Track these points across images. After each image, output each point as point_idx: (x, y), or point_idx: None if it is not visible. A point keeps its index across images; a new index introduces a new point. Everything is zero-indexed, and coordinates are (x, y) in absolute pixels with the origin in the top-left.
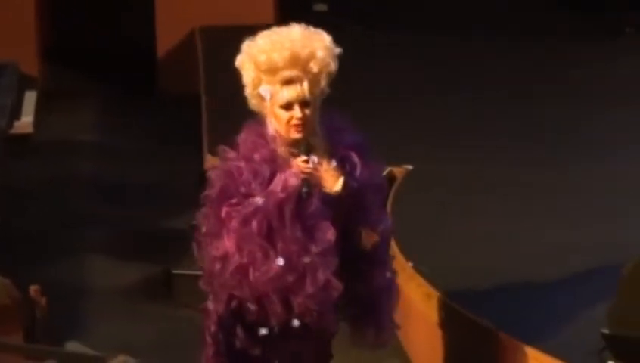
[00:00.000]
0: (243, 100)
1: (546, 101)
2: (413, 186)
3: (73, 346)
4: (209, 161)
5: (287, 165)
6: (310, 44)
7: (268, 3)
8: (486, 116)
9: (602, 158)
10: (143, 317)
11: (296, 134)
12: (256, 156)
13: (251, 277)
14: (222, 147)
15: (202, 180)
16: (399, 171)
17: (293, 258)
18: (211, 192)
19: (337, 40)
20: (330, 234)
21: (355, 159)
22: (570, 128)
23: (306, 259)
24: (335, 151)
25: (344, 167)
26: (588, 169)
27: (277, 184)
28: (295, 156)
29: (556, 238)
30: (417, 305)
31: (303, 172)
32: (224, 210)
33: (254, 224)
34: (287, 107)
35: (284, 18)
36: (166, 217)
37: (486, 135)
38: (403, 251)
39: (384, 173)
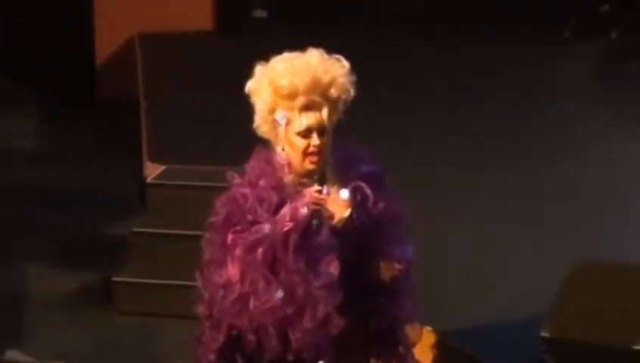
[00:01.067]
0: (182, 106)
1: (485, 104)
2: None
3: (12, 355)
4: (149, 168)
5: (297, 194)
6: (331, 69)
7: (207, 10)
8: (424, 118)
9: (539, 158)
10: (82, 324)
11: (310, 165)
12: (262, 183)
13: (251, 306)
14: (229, 173)
15: (142, 187)
16: None
17: (294, 290)
18: (216, 219)
19: (275, 46)
20: (333, 267)
21: (368, 190)
22: (509, 130)
23: (307, 292)
24: (347, 182)
25: (355, 198)
26: (527, 171)
27: (286, 212)
28: (304, 186)
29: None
30: None
31: (315, 203)
32: (229, 237)
33: (259, 252)
34: (305, 134)
35: (223, 25)
36: (106, 224)
37: (423, 137)
38: None
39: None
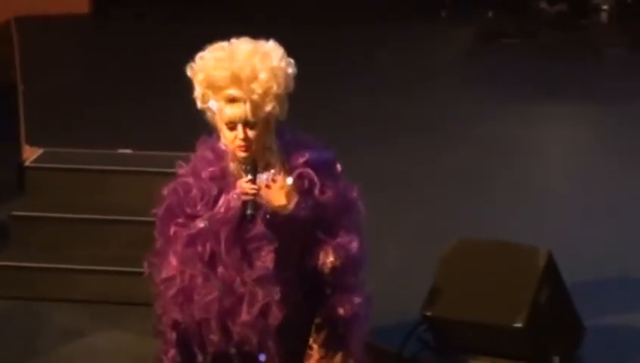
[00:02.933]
0: (60, 90)
1: (362, 84)
2: None
3: None
4: (27, 151)
5: (235, 184)
6: (254, 64)
7: None
8: (298, 98)
9: (416, 139)
10: None
11: (241, 154)
12: (204, 174)
13: (193, 301)
14: (178, 162)
15: (21, 170)
16: None
17: (231, 284)
18: (159, 209)
19: (148, 31)
20: (269, 260)
21: (314, 176)
22: (386, 110)
23: (243, 286)
24: (293, 168)
25: (302, 185)
26: (404, 151)
27: (220, 206)
28: (241, 176)
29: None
30: None
31: (246, 194)
32: (172, 229)
33: (197, 247)
34: (231, 126)
35: (99, 7)
36: None
37: (297, 118)
38: None
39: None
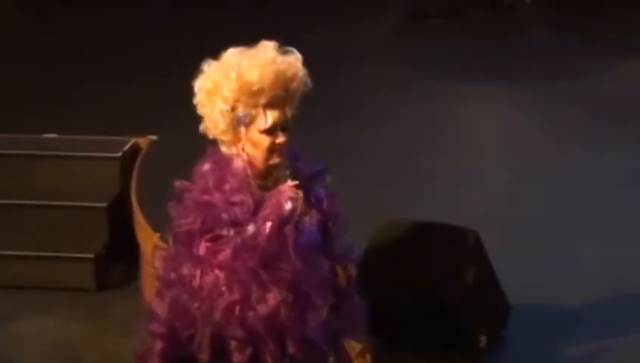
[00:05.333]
0: None
1: None
2: (158, 156)
3: None
4: None
5: (274, 191)
6: (292, 62)
7: None
8: None
9: (343, 121)
10: None
11: (276, 159)
12: (228, 187)
13: (244, 314)
14: (177, 181)
15: None
16: (143, 141)
17: (295, 289)
18: (186, 228)
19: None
20: (325, 262)
21: (321, 191)
22: (312, 93)
23: (307, 292)
24: (303, 177)
25: (309, 199)
26: (331, 133)
27: (269, 211)
28: (264, 188)
29: None
30: None
31: (295, 199)
32: (203, 246)
33: (248, 255)
34: (270, 131)
35: None
36: None
37: None
38: (150, 222)
39: (129, 144)
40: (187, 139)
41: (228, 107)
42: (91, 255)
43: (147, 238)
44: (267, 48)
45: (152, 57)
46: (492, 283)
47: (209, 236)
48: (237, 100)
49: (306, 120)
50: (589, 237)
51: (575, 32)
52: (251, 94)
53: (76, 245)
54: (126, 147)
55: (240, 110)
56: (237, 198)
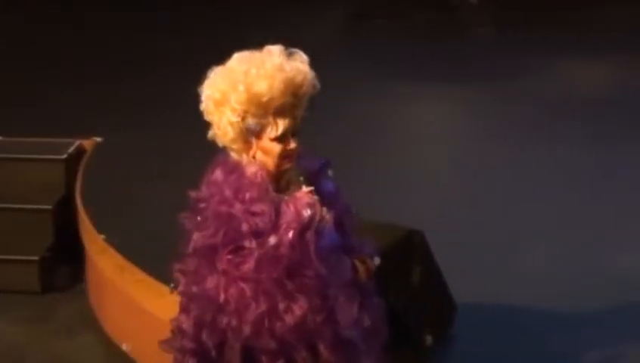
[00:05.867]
0: None
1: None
2: (102, 158)
3: None
4: None
5: (289, 198)
6: (300, 67)
7: None
8: (170, 92)
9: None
10: None
11: (287, 165)
12: (249, 196)
13: (273, 325)
14: (193, 193)
15: None
16: (88, 143)
17: (319, 296)
18: (207, 241)
19: None
20: (347, 261)
21: (330, 186)
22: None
23: (332, 294)
24: (312, 176)
25: (321, 196)
26: None
27: (290, 220)
28: (278, 191)
29: None
30: (110, 277)
31: (313, 204)
32: (225, 259)
33: (271, 266)
34: (281, 138)
35: None
36: None
37: (167, 108)
38: (94, 224)
39: (74, 146)
40: (132, 141)
41: (238, 118)
42: (36, 258)
43: (92, 240)
44: (274, 54)
45: (96, 58)
46: (438, 282)
47: (230, 248)
48: (246, 111)
49: None
50: (536, 236)
51: (519, 31)
52: (260, 105)
53: (20, 247)
54: (71, 149)
55: (250, 120)
56: (257, 208)
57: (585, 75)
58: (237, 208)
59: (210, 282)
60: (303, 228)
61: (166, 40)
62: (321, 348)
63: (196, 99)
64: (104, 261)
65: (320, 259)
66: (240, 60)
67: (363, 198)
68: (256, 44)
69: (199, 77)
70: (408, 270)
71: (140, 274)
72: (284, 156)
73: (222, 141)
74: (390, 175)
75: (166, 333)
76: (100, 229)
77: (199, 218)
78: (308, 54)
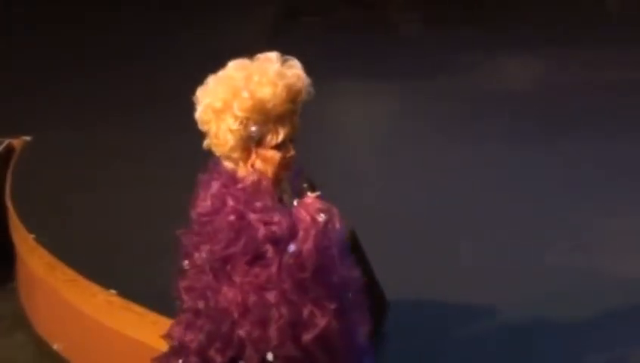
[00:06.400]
0: None
1: (161, 68)
2: (32, 157)
3: None
4: None
5: (300, 205)
6: (299, 75)
7: None
8: (111, 88)
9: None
10: None
11: (287, 172)
12: (259, 205)
13: (298, 333)
14: (195, 209)
15: None
16: (17, 142)
17: (340, 299)
18: (222, 254)
19: None
20: (358, 270)
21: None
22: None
23: (349, 298)
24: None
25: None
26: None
27: (307, 226)
28: (281, 200)
29: None
30: (40, 276)
31: (324, 209)
32: (244, 269)
33: (293, 274)
34: (281, 146)
35: None
36: None
37: (100, 103)
38: (24, 223)
39: (3, 145)
40: (62, 140)
41: (239, 126)
42: None
43: (23, 239)
44: (272, 61)
45: (25, 57)
46: (369, 279)
47: (249, 257)
48: (248, 118)
49: (183, 122)
50: (466, 232)
51: (447, 28)
52: (263, 111)
53: None
54: (0, 148)
55: (252, 127)
56: (272, 216)
57: (512, 71)
58: (252, 217)
59: (226, 294)
60: (322, 233)
61: (97, 38)
62: (341, 355)
63: (123, 96)
64: (35, 260)
65: (342, 262)
66: (237, 68)
67: None
68: (186, 43)
69: (130, 74)
70: None
71: (71, 274)
72: (283, 164)
73: (220, 151)
74: (318, 172)
75: (98, 333)
76: (30, 228)
77: (203, 232)
78: (237, 53)
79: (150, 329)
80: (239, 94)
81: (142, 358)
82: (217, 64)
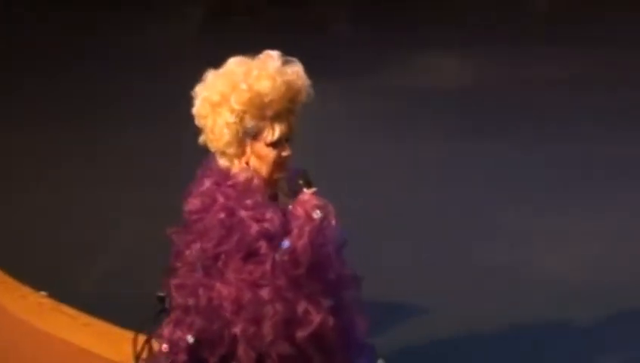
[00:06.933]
0: None
1: (86, 70)
2: None
3: None
4: None
5: (294, 202)
6: (299, 74)
7: None
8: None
9: (139, 121)
10: None
11: (280, 174)
12: (250, 202)
13: (292, 330)
14: (188, 206)
15: None
16: None
17: (336, 297)
18: (217, 250)
19: None
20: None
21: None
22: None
23: (345, 296)
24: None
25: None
26: (138, 132)
27: (301, 223)
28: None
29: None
30: None
31: (320, 206)
32: (238, 266)
33: (287, 270)
34: (276, 144)
35: None
36: None
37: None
38: None
39: None
40: None
41: (236, 119)
42: None
43: None
44: (273, 58)
45: None
46: None
47: (242, 254)
48: (245, 112)
49: (108, 122)
50: (403, 231)
51: (377, 26)
52: (261, 106)
53: None
54: None
55: (248, 122)
56: (263, 213)
57: (443, 68)
58: (243, 214)
59: (220, 291)
60: (317, 230)
61: (19, 38)
62: (337, 353)
63: (45, 94)
64: None
65: (337, 258)
66: (238, 63)
67: None
68: (113, 44)
69: (53, 73)
70: None
71: (0, 275)
72: (277, 163)
73: (215, 146)
74: None
75: (29, 335)
76: None
77: (194, 230)
78: (165, 53)
79: (82, 331)
80: (237, 86)
81: (74, 361)
82: (145, 64)
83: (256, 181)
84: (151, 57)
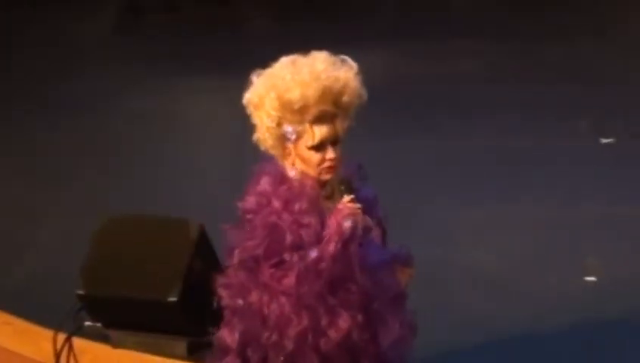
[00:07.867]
0: None
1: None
2: None
3: None
4: None
5: (331, 209)
6: (341, 74)
7: None
8: None
9: (67, 116)
10: None
11: (327, 176)
12: (298, 207)
13: (317, 341)
14: (240, 203)
15: None
16: None
17: (363, 311)
18: (252, 252)
19: None
20: (395, 277)
21: (370, 192)
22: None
23: (377, 310)
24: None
25: (361, 203)
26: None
27: (331, 232)
28: (329, 198)
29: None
30: None
31: (354, 214)
32: (267, 272)
33: (312, 281)
34: (319, 147)
35: None
36: None
37: None
38: None
39: None
40: None
41: (274, 124)
42: None
43: None
44: (317, 60)
45: None
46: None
47: (274, 261)
48: (281, 118)
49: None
50: None
51: (299, 22)
52: (294, 112)
53: None
54: None
55: (286, 126)
56: (305, 220)
57: (365, 64)
58: (285, 218)
59: (254, 295)
60: (345, 240)
61: None
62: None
63: None
64: None
65: (364, 272)
66: (282, 65)
67: (138, 193)
68: (25, 44)
69: None
70: (188, 263)
71: None
72: (322, 165)
73: (263, 146)
74: (167, 168)
75: None
76: None
77: (246, 229)
78: (85, 49)
79: (1, 330)
80: (269, 93)
81: None
82: (59, 64)
83: (310, 184)
84: (64, 56)
